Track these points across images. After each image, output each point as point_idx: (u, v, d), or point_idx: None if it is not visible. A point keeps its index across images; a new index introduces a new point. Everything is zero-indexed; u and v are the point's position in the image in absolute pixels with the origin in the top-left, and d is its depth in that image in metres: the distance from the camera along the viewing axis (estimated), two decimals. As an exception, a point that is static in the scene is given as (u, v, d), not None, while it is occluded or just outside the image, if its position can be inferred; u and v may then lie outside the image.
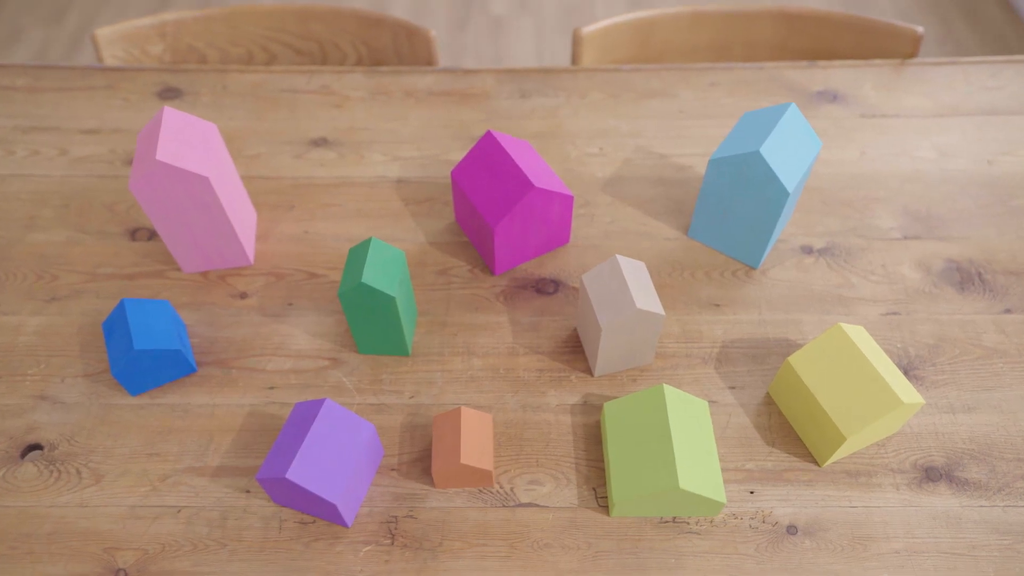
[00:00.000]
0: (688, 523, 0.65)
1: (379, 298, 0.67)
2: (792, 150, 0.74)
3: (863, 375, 0.64)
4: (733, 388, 0.73)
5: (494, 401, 0.73)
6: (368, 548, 0.64)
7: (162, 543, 0.64)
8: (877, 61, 1.06)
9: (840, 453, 0.67)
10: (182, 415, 0.72)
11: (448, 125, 0.99)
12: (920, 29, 1.04)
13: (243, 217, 0.82)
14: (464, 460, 0.63)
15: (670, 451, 0.62)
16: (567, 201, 0.79)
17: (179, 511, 0.66)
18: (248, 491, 0.67)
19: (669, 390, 0.65)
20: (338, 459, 0.61)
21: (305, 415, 0.63)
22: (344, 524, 0.64)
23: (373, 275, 0.66)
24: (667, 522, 0.65)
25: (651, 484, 0.61)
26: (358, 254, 0.69)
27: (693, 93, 1.03)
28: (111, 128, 0.98)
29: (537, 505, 0.66)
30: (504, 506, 0.66)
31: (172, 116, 0.74)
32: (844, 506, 0.66)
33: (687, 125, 0.98)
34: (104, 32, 1.08)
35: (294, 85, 1.04)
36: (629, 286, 0.67)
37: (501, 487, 0.67)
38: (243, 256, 0.82)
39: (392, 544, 0.64)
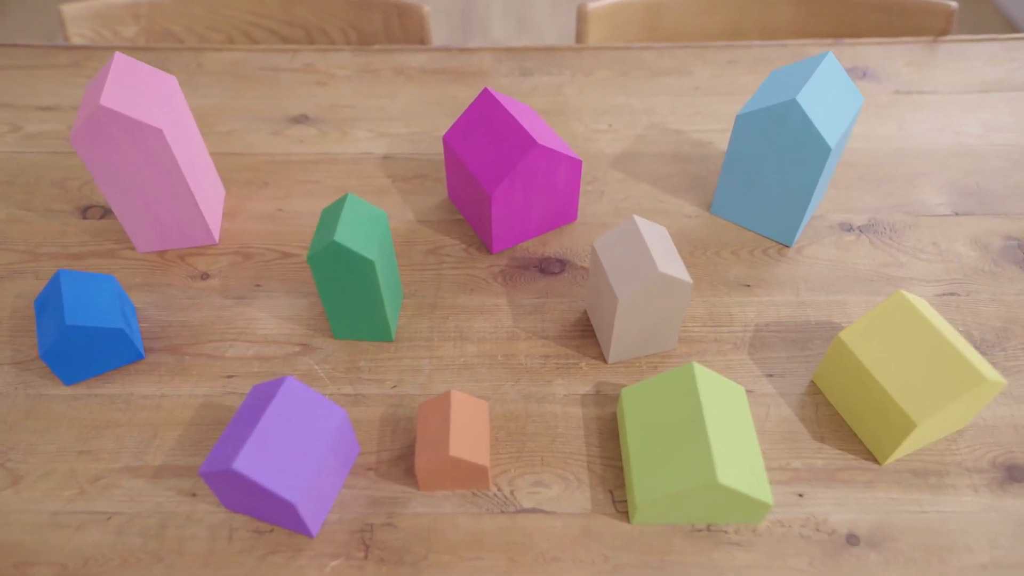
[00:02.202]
0: (726, 532, 0.53)
1: (355, 263, 0.57)
2: (831, 103, 0.65)
3: (934, 349, 0.53)
4: (771, 376, 0.63)
5: (491, 391, 0.62)
6: (336, 563, 0.52)
7: (85, 557, 0.52)
8: (908, 38, 0.98)
9: (904, 448, 0.56)
10: (123, 407, 0.61)
11: (442, 102, 0.90)
12: (954, 4, 0.96)
13: (208, 189, 0.73)
14: (454, 453, 0.52)
15: (704, 440, 0.51)
16: (575, 166, 0.69)
17: (109, 518, 0.54)
18: (194, 494, 0.56)
19: (700, 369, 0.55)
20: (300, 450, 0.50)
21: (263, 397, 0.52)
22: (308, 533, 0.53)
23: (348, 235, 0.56)
24: (700, 531, 0.53)
25: (681, 480, 0.50)
26: (332, 213, 0.59)
27: (710, 70, 0.94)
28: (71, 105, 0.89)
29: (542, 511, 0.55)
30: (503, 512, 0.55)
31: (124, 63, 0.64)
32: (913, 511, 0.54)
33: (705, 101, 0.90)
34: (70, 8, 1.00)
35: (275, 63, 0.95)
36: (650, 249, 0.57)
37: (499, 489, 0.56)
38: (206, 233, 0.72)
39: (366, 558, 0.52)
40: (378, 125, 0.87)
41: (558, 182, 0.69)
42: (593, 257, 0.61)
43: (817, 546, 0.53)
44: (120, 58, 0.64)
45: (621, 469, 0.57)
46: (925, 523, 0.54)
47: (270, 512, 0.52)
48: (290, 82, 0.93)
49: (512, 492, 0.56)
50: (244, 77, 0.93)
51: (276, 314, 0.67)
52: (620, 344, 0.61)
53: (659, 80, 0.93)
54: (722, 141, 0.84)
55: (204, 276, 0.71)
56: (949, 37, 0.97)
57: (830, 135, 0.63)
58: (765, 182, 0.69)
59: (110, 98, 0.60)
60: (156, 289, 0.69)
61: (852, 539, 0.53)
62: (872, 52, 0.96)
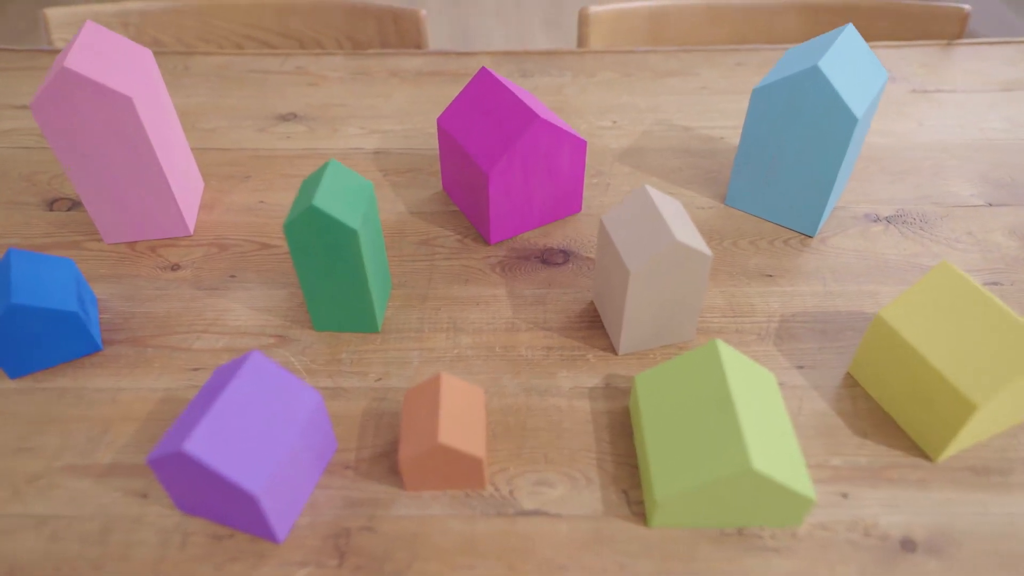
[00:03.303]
0: (760, 537, 0.46)
1: (337, 232, 0.51)
2: (855, 73, 0.60)
3: (991, 322, 0.47)
4: (802, 368, 0.56)
5: (488, 384, 0.55)
6: (305, 572, 0.44)
7: (11, 566, 0.45)
8: (921, 42, 0.94)
9: (959, 443, 0.49)
10: (73, 401, 0.54)
11: (438, 101, 0.86)
12: (967, 7, 0.93)
13: (183, 177, 0.67)
14: (444, 440, 0.45)
15: (734, 423, 0.44)
16: (579, 147, 0.64)
17: (44, 522, 0.47)
18: (145, 495, 0.48)
19: (725, 348, 0.48)
20: (266, 435, 0.43)
21: (225, 376, 0.46)
22: (273, 538, 0.45)
23: (330, 201, 0.51)
24: (729, 535, 0.46)
25: (708, 470, 0.43)
26: (312, 180, 0.53)
27: (717, 72, 0.90)
28: (49, 104, 0.85)
29: (546, 513, 0.47)
30: (501, 514, 0.47)
31: (96, 31, 0.60)
32: (975, 513, 0.47)
33: (713, 100, 0.85)
34: (55, 13, 0.97)
35: (265, 66, 0.92)
36: (665, 218, 0.51)
37: (497, 489, 0.49)
38: (180, 223, 0.67)
39: (340, 566, 0.45)
40: (370, 123, 0.82)
41: (561, 164, 0.64)
42: (601, 234, 0.55)
43: (867, 553, 0.45)
44: (92, 26, 0.60)
45: (636, 467, 0.50)
46: (991, 526, 0.46)
47: (230, 512, 0.44)
48: (280, 83, 0.89)
49: (511, 492, 0.48)
50: (231, 79, 0.90)
51: (251, 305, 0.61)
52: (632, 332, 0.55)
53: (664, 81, 0.89)
54: (733, 136, 0.80)
55: (175, 267, 0.65)
56: (964, 40, 0.94)
57: (856, 105, 0.58)
58: (785, 165, 0.64)
59: (76, 61, 0.56)
60: (122, 280, 0.63)
61: (908, 545, 0.45)
62: (885, 55, 0.93)
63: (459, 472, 0.47)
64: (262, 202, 0.72)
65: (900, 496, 0.48)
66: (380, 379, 0.55)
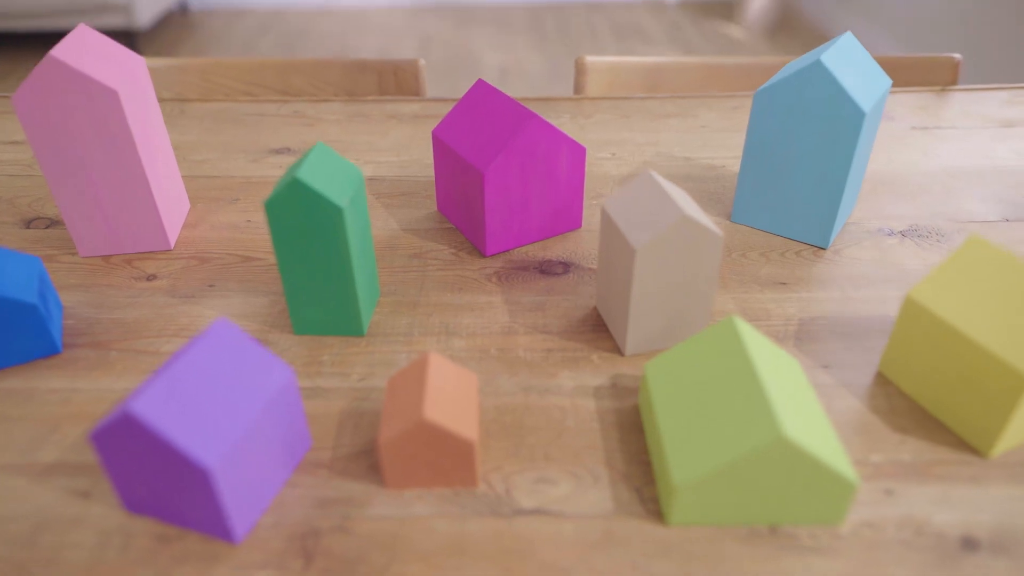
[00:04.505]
0: (797, 536, 0.39)
1: (322, 210, 0.47)
2: (858, 73, 0.59)
3: (1035, 291, 0.42)
4: (827, 367, 0.51)
5: (483, 384, 0.50)
6: (264, 573, 0.38)
7: (-79, 568, 0.38)
8: (915, 87, 0.95)
9: (1012, 433, 0.43)
10: (21, 401, 0.49)
11: (434, 138, 0.85)
12: (958, 56, 0.95)
13: (167, 190, 0.65)
14: (429, 415, 0.39)
15: (759, 394, 0.39)
16: (578, 153, 0.62)
17: (-33, 522, 0.41)
18: (87, 494, 0.42)
19: (743, 325, 0.43)
20: (226, 407, 0.38)
21: (189, 344, 0.41)
22: (229, 536, 0.39)
23: (315, 177, 0.48)
24: (760, 535, 0.40)
25: (733, 446, 0.37)
26: (298, 163, 0.50)
27: (715, 114, 0.90)
28: (41, 141, 0.84)
29: (548, 512, 0.41)
30: (495, 514, 0.41)
31: (89, 34, 0.59)
32: (1043, 511, 0.41)
33: (713, 136, 0.85)
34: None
35: (262, 110, 0.92)
36: (672, 197, 0.48)
37: (491, 487, 0.42)
38: (161, 236, 0.63)
39: (306, 568, 0.38)
40: (365, 155, 0.81)
41: (559, 171, 0.62)
42: (603, 221, 0.52)
43: (922, 553, 0.39)
44: (84, 28, 0.59)
45: (649, 465, 0.44)
46: (1062, 525, 0.40)
47: (180, 502, 0.38)
48: (275, 123, 0.88)
49: (507, 491, 0.42)
50: (227, 120, 0.89)
51: (229, 312, 0.57)
52: (639, 326, 0.51)
53: (663, 121, 0.88)
54: (735, 164, 0.78)
55: (150, 277, 0.61)
56: (958, 87, 0.94)
57: (863, 99, 0.56)
58: (792, 171, 0.62)
59: (63, 52, 0.54)
60: (91, 289, 0.59)
61: (970, 543, 0.39)
62: (882, 100, 0.93)
63: (447, 462, 0.41)
64: (249, 221, 0.69)
65: (953, 493, 0.42)
66: (363, 379, 0.50)
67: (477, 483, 0.42)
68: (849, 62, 0.59)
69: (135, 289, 0.59)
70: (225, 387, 0.39)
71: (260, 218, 0.69)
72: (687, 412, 0.41)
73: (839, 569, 0.38)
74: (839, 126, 0.57)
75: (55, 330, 0.53)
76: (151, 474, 0.38)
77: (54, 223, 0.68)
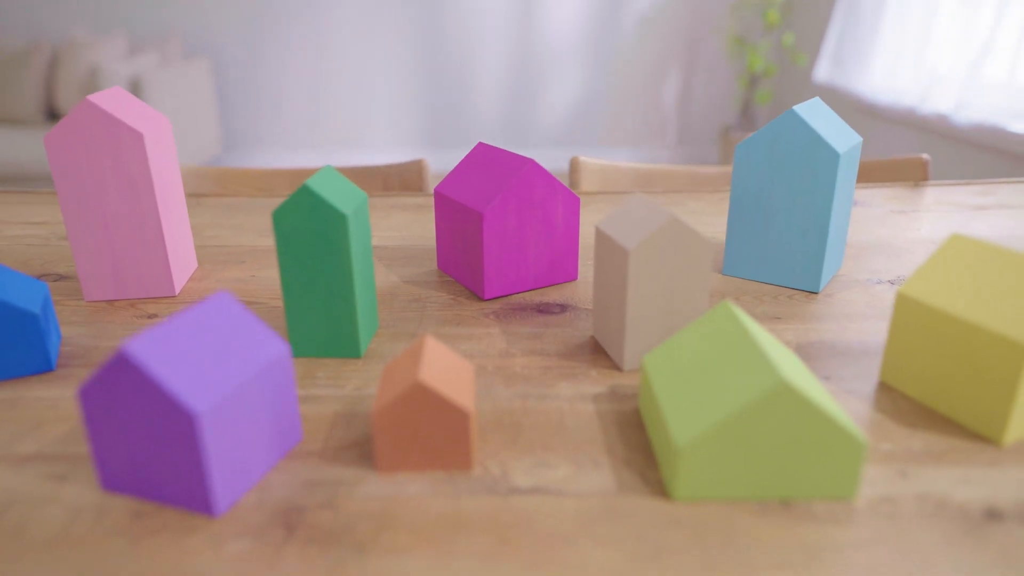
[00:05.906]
0: (811, 509, 0.37)
1: (327, 218, 0.49)
2: (829, 125, 0.64)
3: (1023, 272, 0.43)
4: (828, 379, 0.50)
5: (479, 393, 0.49)
6: (239, 545, 0.35)
7: None
8: (888, 183, 1.00)
9: (1022, 415, 0.42)
10: (7, 407, 0.47)
11: (436, 221, 0.89)
12: (925, 156, 1.01)
13: (178, 242, 0.67)
14: (423, 378, 0.38)
15: (759, 356, 0.38)
16: (573, 203, 0.65)
17: (-66, 500, 0.38)
18: (64, 477, 0.40)
19: (739, 310, 0.44)
20: (219, 364, 0.38)
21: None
22: (209, 509, 0.37)
23: (323, 188, 0.50)
24: (772, 509, 0.37)
25: (734, 400, 0.36)
26: (306, 183, 0.53)
27: (704, 204, 0.95)
28: (56, 220, 0.88)
29: (546, 491, 0.39)
30: (492, 492, 0.39)
31: (123, 93, 0.64)
32: (1067, 489, 0.39)
33: (702, 217, 0.88)
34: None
35: (273, 204, 0.96)
36: (661, 209, 0.50)
37: (487, 470, 0.41)
38: (167, 281, 0.65)
39: (287, 540, 0.36)
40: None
41: (556, 218, 0.64)
42: (598, 239, 0.53)
43: (948, 522, 0.36)
44: (119, 88, 0.65)
45: (652, 454, 0.42)
46: (1090, 501, 0.38)
47: (163, 467, 0.37)
48: (285, 212, 0.92)
49: (504, 473, 0.40)
50: (239, 209, 0.94)
51: (226, 342, 0.57)
52: (635, 338, 0.51)
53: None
54: (723, 233, 0.81)
55: (152, 316, 0.61)
56: (931, 183, 1.00)
57: (836, 143, 0.60)
58: (777, 219, 0.64)
59: (98, 98, 0.59)
60: (93, 324, 0.60)
61: (994, 514, 0.37)
62: (855, 194, 0.98)
63: (441, 438, 0.40)
64: (254, 276, 0.70)
65: (972, 473, 0.40)
66: (358, 388, 0.49)
67: (472, 465, 0.40)
68: (820, 116, 0.64)
69: (135, 326, 0.60)
70: (220, 348, 0.38)
71: (266, 274, 0.71)
72: (687, 385, 0.40)
73: (861, 537, 0.35)
74: (817, 169, 0.61)
75: (51, 347, 0.52)
76: (136, 431, 0.36)
77: (63, 277, 0.70)
